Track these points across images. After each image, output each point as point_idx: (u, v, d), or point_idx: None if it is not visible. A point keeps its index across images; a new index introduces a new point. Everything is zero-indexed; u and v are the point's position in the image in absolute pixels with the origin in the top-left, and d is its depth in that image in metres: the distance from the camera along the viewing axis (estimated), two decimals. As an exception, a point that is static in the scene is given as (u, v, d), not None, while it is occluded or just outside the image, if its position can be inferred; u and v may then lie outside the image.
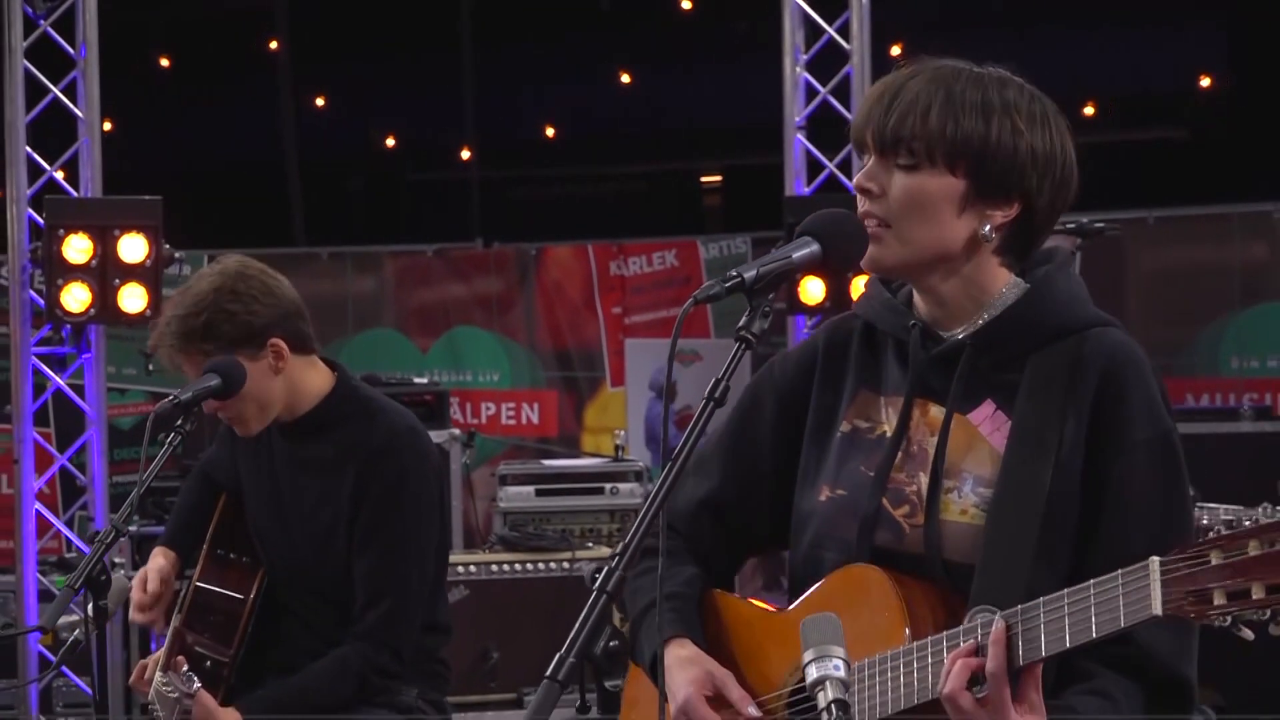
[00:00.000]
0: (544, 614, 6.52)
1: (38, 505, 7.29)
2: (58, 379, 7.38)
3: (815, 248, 2.14)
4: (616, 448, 7.82)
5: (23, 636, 7.14)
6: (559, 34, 13.29)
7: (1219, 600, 1.87)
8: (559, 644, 5.82)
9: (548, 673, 2.03)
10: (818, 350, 2.42)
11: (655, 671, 2.34)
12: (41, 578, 7.30)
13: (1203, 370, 9.52)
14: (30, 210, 7.26)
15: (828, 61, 7.62)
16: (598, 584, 2.05)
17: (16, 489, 7.26)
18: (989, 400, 2.24)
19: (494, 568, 6.69)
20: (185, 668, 3.38)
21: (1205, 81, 12.35)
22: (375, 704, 3.71)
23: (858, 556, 2.26)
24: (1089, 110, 12.40)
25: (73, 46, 7.35)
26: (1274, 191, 9.86)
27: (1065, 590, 1.99)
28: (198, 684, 3.36)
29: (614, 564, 2.04)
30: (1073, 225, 5.79)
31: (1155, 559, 1.90)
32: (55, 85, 7.31)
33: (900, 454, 2.27)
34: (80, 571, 3.17)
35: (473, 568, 6.62)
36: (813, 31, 7.65)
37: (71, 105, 7.33)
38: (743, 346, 2.11)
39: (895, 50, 10.96)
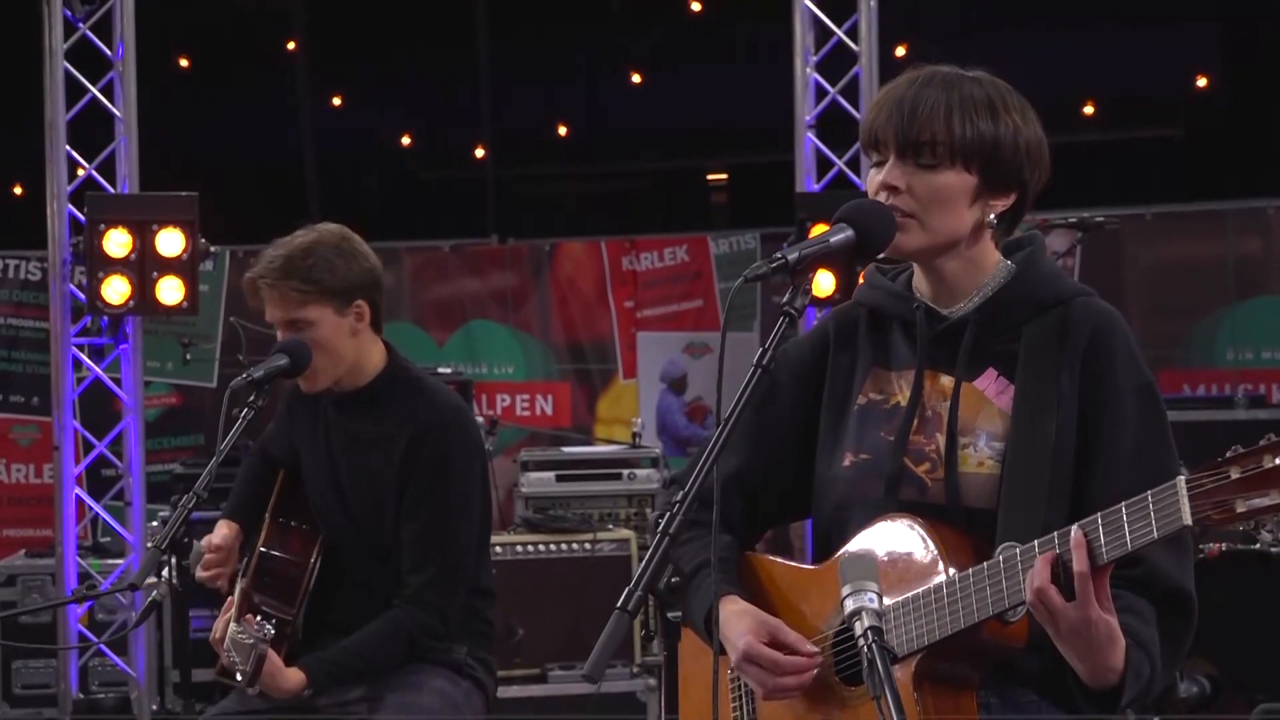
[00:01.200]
0: (566, 593, 6.72)
1: (77, 490, 7.49)
2: (96, 368, 7.59)
3: (850, 233, 2.41)
4: (634, 435, 8.01)
5: (62, 610, 7.40)
6: (571, 35, 13.32)
7: (1240, 509, 2.10)
8: (580, 621, 6.15)
9: (619, 604, 2.27)
10: (829, 335, 2.67)
11: (708, 630, 2.56)
12: (81, 561, 7.55)
13: (1199, 362, 9.59)
14: (70, 206, 7.48)
15: (837, 62, 7.77)
16: (660, 527, 2.32)
17: (56, 474, 7.50)
18: (991, 368, 2.50)
19: (518, 549, 6.85)
20: (259, 618, 3.65)
21: (1202, 81, 12.43)
22: (429, 660, 3.98)
23: (886, 511, 2.49)
24: (1089, 110, 12.51)
25: (110, 48, 7.55)
26: (1268, 188, 9.97)
27: (1100, 512, 2.22)
28: (271, 629, 3.63)
29: (676, 510, 2.31)
30: (1073, 220, 6.05)
31: (1180, 478, 2.14)
32: (93, 86, 7.51)
33: (916, 419, 2.52)
34: (165, 534, 3.42)
35: (498, 549, 6.75)
36: (822, 33, 7.80)
37: (109, 105, 7.54)
38: (786, 320, 2.39)
39: (900, 51, 11.16)
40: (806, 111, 7.74)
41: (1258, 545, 6.14)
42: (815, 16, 7.77)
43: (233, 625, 3.73)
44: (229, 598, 4.00)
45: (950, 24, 11.79)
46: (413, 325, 10.59)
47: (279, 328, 3.93)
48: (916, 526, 2.43)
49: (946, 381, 2.52)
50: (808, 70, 7.79)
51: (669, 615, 2.51)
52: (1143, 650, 2.34)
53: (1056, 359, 2.46)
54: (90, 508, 7.61)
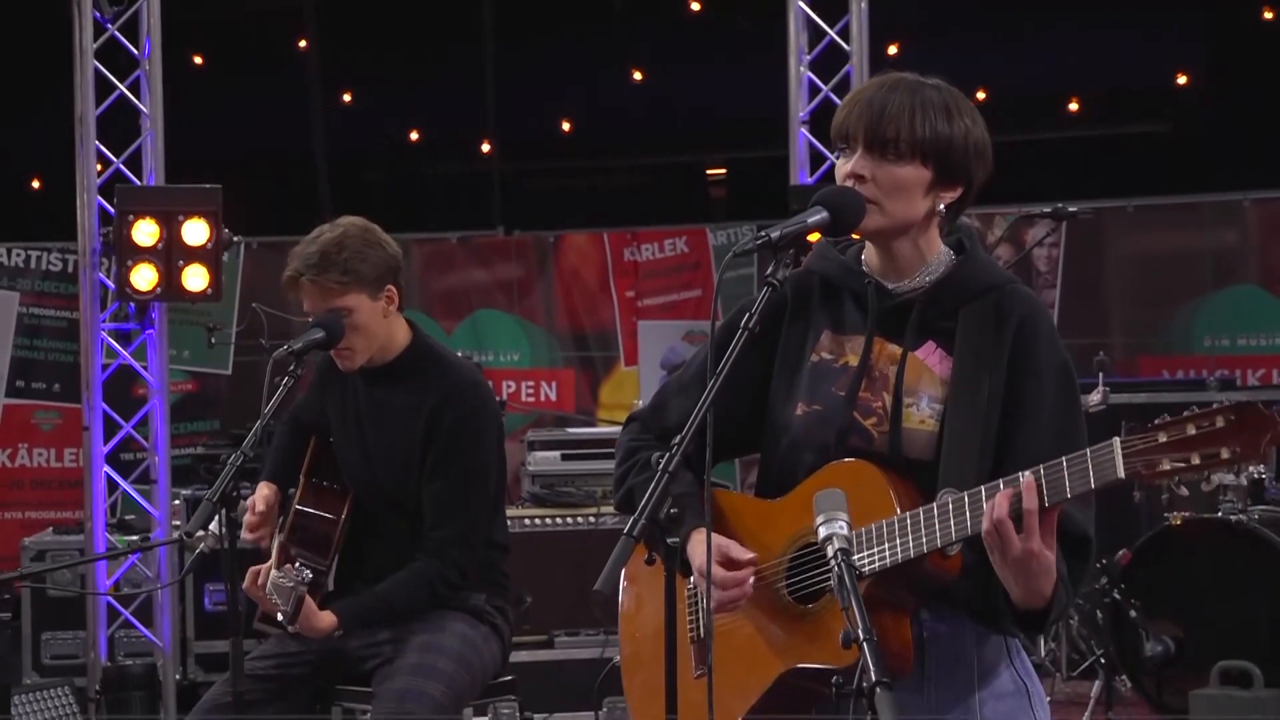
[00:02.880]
0: (571, 563, 6.96)
1: (106, 469, 7.73)
2: (124, 351, 7.85)
3: (825, 214, 2.79)
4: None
5: (94, 578, 7.71)
6: (575, 34, 13.48)
7: (1164, 467, 2.42)
8: (585, 590, 6.52)
9: (625, 530, 2.64)
10: (786, 298, 2.98)
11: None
12: (109, 536, 7.77)
13: (1178, 348, 9.79)
14: (100, 198, 7.72)
15: (829, 61, 7.94)
16: (660, 466, 2.70)
17: (86, 454, 7.75)
18: (931, 341, 2.85)
19: (526, 522, 7.13)
20: (298, 563, 4.03)
21: (1182, 79, 12.61)
22: (450, 607, 4.36)
23: (835, 456, 2.83)
24: (1074, 106, 12.75)
25: (136, 47, 7.79)
26: (1244, 182, 10.13)
27: (1043, 464, 2.55)
28: (309, 574, 4.01)
29: (675, 450, 2.69)
30: (1050, 210, 6.39)
31: (1116, 439, 2.47)
32: (120, 83, 7.74)
33: (866, 380, 2.86)
34: (217, 487, 3.78)
35: (507, 521, 7.16)
36: (815, 33, 7.96)
37: (137, 101, 7.79)
38: (769, 289, 2.78)
39: (892, 50, 11.43)
40: (800, 108, 7.93)
41: (1220, 514, 6.49)
42: (808, 17, 7.96)
43: (274, 572, 4.10)
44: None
45: (939, 24, 11.99)
46: (422, 314, 10.75)
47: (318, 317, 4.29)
48: (875, 472, 2.78)
49: (894, 349, 2.87)
50: (801, 69, 7.98)
51: (669, 541, 2.82)
52: (1062, 583, 2.68)
53: (991, 338, 2.81)
54: (118, 484, 7.89)
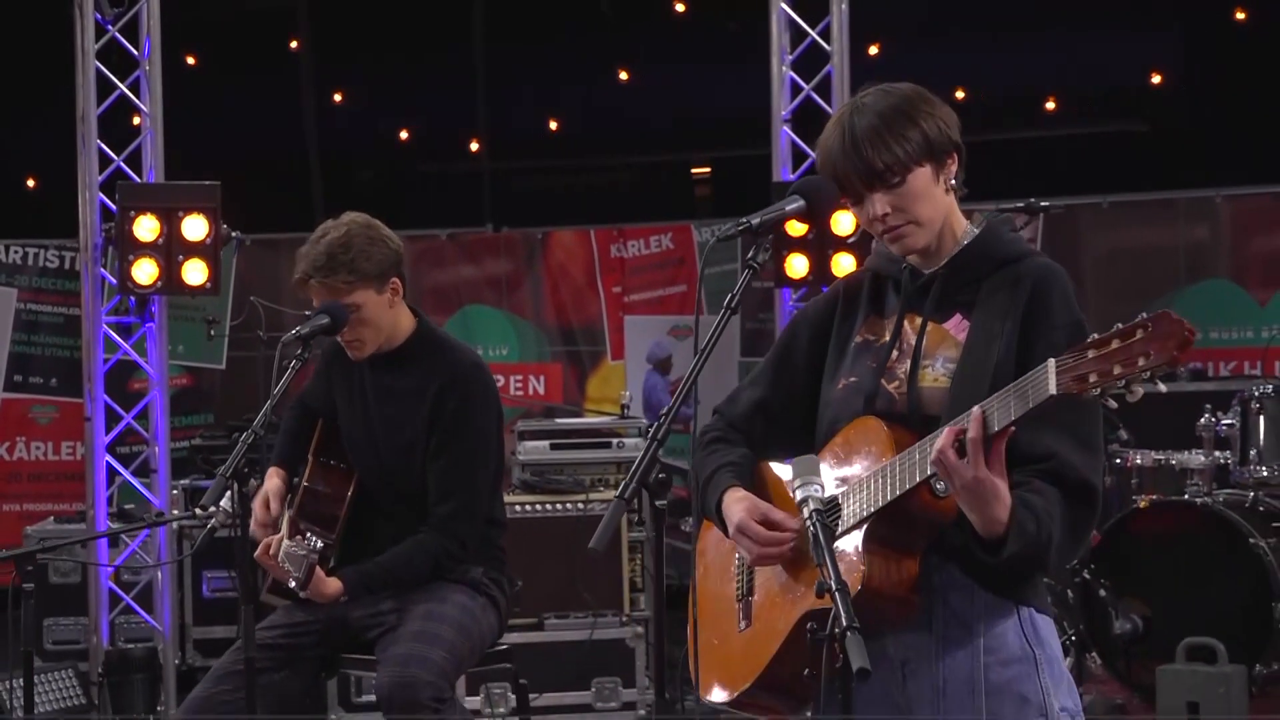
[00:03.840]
0: (561, 548, 7.09)
1: (108, 458, 7.89)
2: (124, 344, 7.98)
3: (801, 202, 3.03)
4: (622, 406, 8.39)
5: (93, 568, 7.89)
6: (563, 35, 13.59)
7: (1092, 379, 2.58)
8: (574, 574, 6.76)
9: (617, 493, 2.87)
10: (839, 294, 3.22)
11: (719, 514, 3.11)
12: (114, 525, 7.87)
13: None
14: (101, 195, 7.87)
15: (811, 61, 8.05)
16: (651, 434, 2.93)
17: (88, 443, 7.89)
18: (957, 313, 3.04)
19: (517, 509, 7.22)
20: (309, 535, 4.25)
21: (1156, 79, 12.78)
22: (450, 579, 4.57)
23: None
24: (1050, 105, 12.94)
25: (136, 48, 7.94)
26: (1215, 179, 10.33)
27: (1004, 388, 2.74)
28: (320, 544, 4.22)
29: (662, 421, 2.91)
30: (1021, 204, 6.57)
31: (1052, 359, 2.64)
32: (120, 83, 7.89)
33: (895, 351, 3.06)
34: (230, 463, 3.99)
35: (504, 500, 7.25)
36: (797, 34, 8.08)
37: (136, 100, 7.95)
38: (750, 272, 3.02)
39: (873, 50, 11.60)
40: (782, 107, 8.05)
41: (1186, 496, 6.70)
42: (790, 18, 8.08)
43: (286, 542, 4.32)
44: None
45: (919, 25, 12.13)
46: (412, 309, 10.98)
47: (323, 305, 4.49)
48: (879, 422, 2.98)
49: (919, 321, 3.08)
50: (783, 68, 8.10)
51: (656, 504, 3.03)
52: (1031, 513, 2.83)
53: (1006, 302, 2.99)
54: (118, 473, 8.04)
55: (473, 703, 6.96)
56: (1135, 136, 12.95)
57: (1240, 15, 11.95)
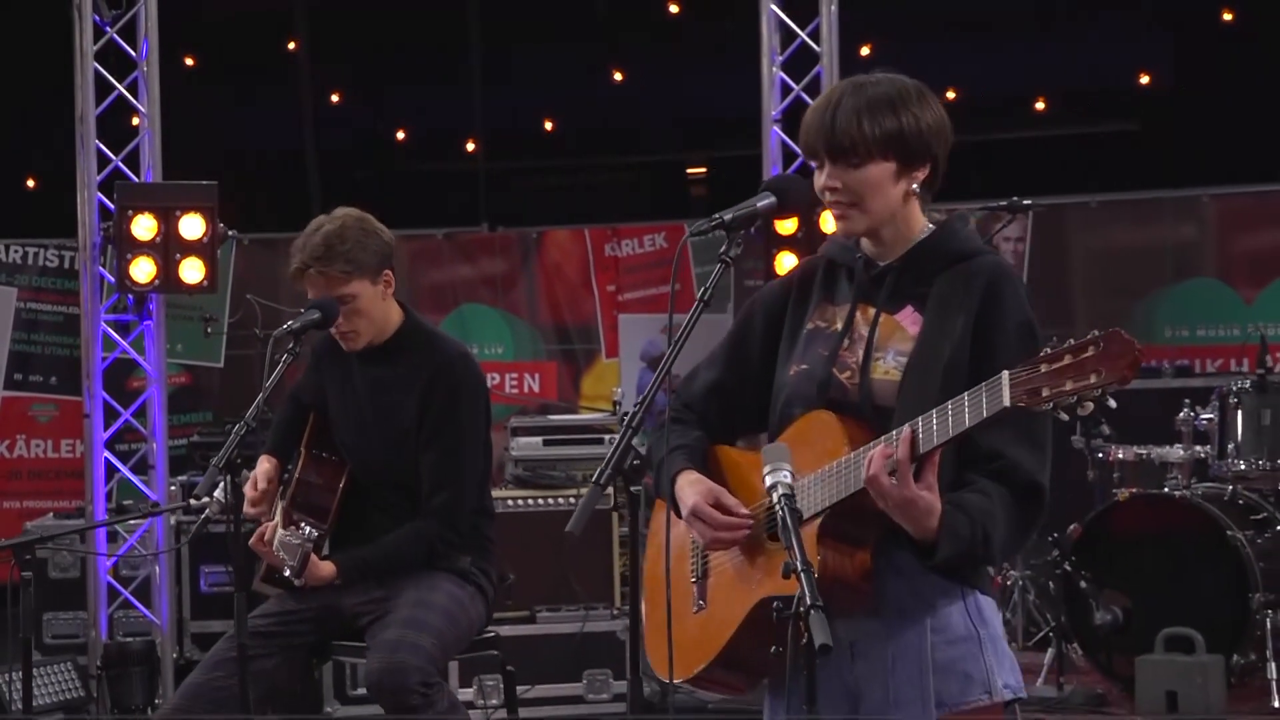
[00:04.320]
0: (553, 543, 7.11)
1: (106, 454, 7.97)
2: (123, 341, 8.05)
3: (772, 199, 3.13)
4: (615, 403, 8.45)
5: (94, 559, 7.98)
6: (558, 36, 13.59)
7: (1045, 393, 2.65)
8: (565, 568, 6.81)
9: (593, 479, 2.97)
10: (793, 280, 3.29)
11: (673, 497, 3.18)
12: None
13: (1139, 339, 9.47)
14: (99, 194, 7.93)
15: (801, 62, 8.11)
16: (625, 422, 3.03)
17: (87, 439, 7.97)
18: (909, 305, 3.10)
19: (510, 503, 7.26)
20: (303, 524, 4.36)
21: (1145, 79, 12.84)
22: (439, 568, 4.68)
23: (817, 407, 3.10)
24: (1040, 105, 12.98)
25: (134, 49, 8.01)
26: (1202, 179, 10.39)
27: (948, 401, 2.81)
28: (314, 532, 4.33)
29: (636, 409, 3.02)
30: (1005, 203, 6.69)
31: (1005, 372, 2.71)
32: (119, 84, 7.95)
33: (846, 339, 3.13)
34: (223, 455, 4.09)
35: (491, 490, 7.30)
36: (787, 35, 8.14)
37: (135, 101, 8.02)
38: (723, 266, 3.12)
39: (865, 50, 11.64)
40: (773, 107, 8.13)
41: (1165, 489, 6.81)
42: (780, 19, 8.15)
43: (280, 531, 4.43)
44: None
45: (908, 25, 12.15)
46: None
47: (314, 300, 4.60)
48: (831, 416, 3.06)
49: (871, 312, 3.15)
50: (774, 69, 8.17)
51: (632, 489, 3.12)
52: (965, 515, 2.91)
53: (960, 300, 3.05)
54: (117, 469, 8.12)
55: (465, 694, 7.04)
56: (1124, 136, 13.00)
57: (1228, 16, 12.02)
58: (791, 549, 2.80)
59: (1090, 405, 2.67)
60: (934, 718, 3.01)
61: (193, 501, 4.12)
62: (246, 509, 4.55)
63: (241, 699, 4.19)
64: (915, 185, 3.11)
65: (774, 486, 2.92)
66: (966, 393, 2.79)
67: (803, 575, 2.73)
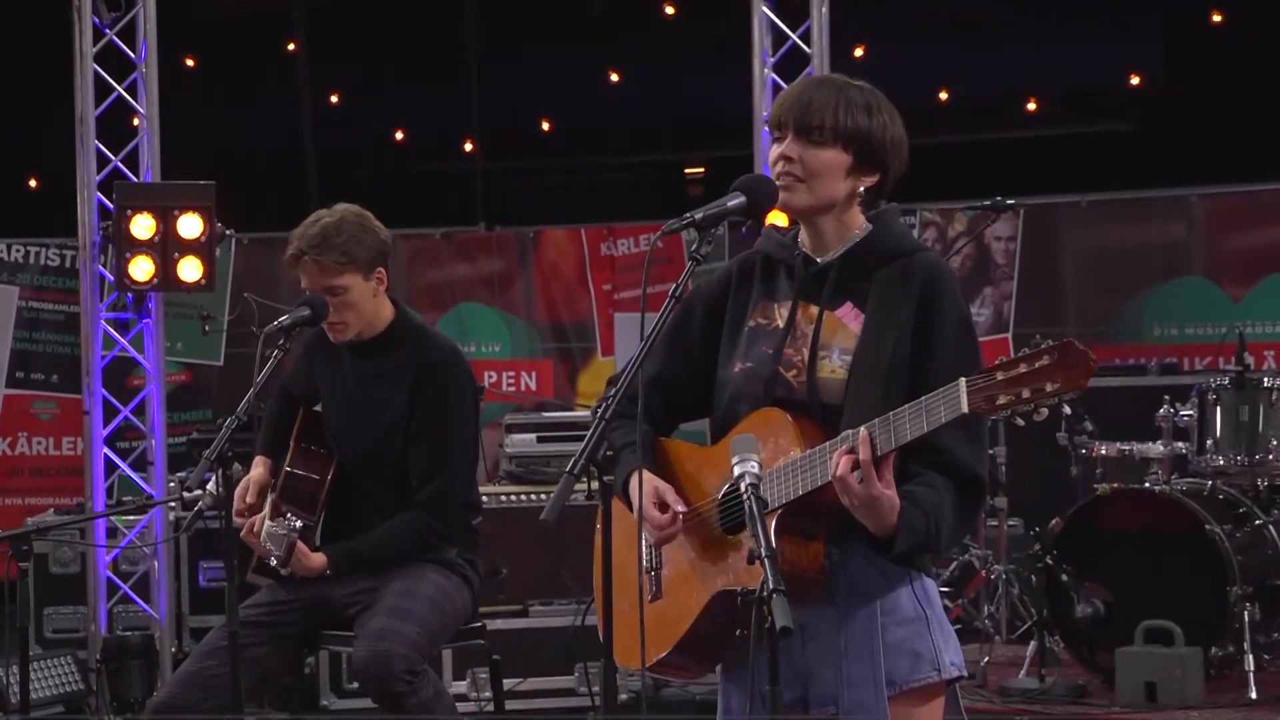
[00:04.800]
0: (545, 537, 7.08)
1: (106, 450, 8.08)
2: (122, 339, 8.15)
3: (743, 199, 3.21)
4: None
5: (94, 554, 8.08)
6: (555, 37, 13.63)
7: (1001, 400, 2.77)
8: (557, 562, 6.93)
9: (567, 469, 3.06)
10: (732, 274, 3.39)
11: (625, 493, 3.29)
12: (110, 517, 8.06)
13: (1129, 337, 10.04)
14: (99, 194, 8.03)
15: (793, 63, 8.16)
16: (599, 414, 3.13)
17: (86, 436, 8.07)
18: (849, 302, 3.22)
19: (503, 498, 7.39)
20: (289, 515, 4.46)
21: (1135, 80, 12.91)
22: (426, 560, 4.78)
23: (764, 405, 3.21)
24: (1031, 106, 13.01)
25: (134, 51, 8.11)
26: (1191, 178, 10.43)
27: (905, 405, 2.92)
28: (299, 523, 4.44)
29: (610, 401, 3.12)
30: (988, 202, 6.82)
31: (962, 379, 2.83)
32: (118, 85, 8.05)
33: (789, 337, 3.24)
34: (214, 448, 4.20)
35: (485, 498, 7.36)
36: (778, 37, 8.23)
37: (134, 102, 8.12)
38: (693, 263, 3.21)
39: (858, 52, 11.78)
40: (764, 107, 8.12)
41: (1145, 484, 6.91)
42: (772, 21, 8.25)
43: (268, 523, 4.54)
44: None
45: (902, 27, 12.25)
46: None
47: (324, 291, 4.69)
48: (784, 415, 3.16)
49: (814, 309, 3.25)
50: (765, 70, 8.27)
51: (605, 479, 3.23)
52: (918, 509, 3.03)
53: (899, 296, 3.17)
54: (116, 465, 8.23)
55: (459, 687, 7.14)
56: (1114, 136, 13.05)
57: (1217, 18, 12.10)
58: (757, 537, 2.90)
59: (1045, 412, 2.77)
60: (884, 695, 3.12)
61: (185, 494, 4.22)
62: (235, 517, 4.65)
63: (233, 686, 4.29)
64: (862, 189, 3.23)
65: (742, 476, 3.01)
66: (925, 397, 2.90)
67: (766, 561, 2.84)
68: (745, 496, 2.98)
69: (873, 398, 3.09)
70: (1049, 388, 2.73)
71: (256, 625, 4.70)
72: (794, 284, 3.29)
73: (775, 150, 3.26)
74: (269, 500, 4.72)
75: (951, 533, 3.12)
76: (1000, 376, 2.78)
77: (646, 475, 3.24)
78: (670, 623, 3.23)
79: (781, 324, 3.27)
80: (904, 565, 3.17)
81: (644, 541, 3.34)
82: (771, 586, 2.80)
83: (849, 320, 3.21)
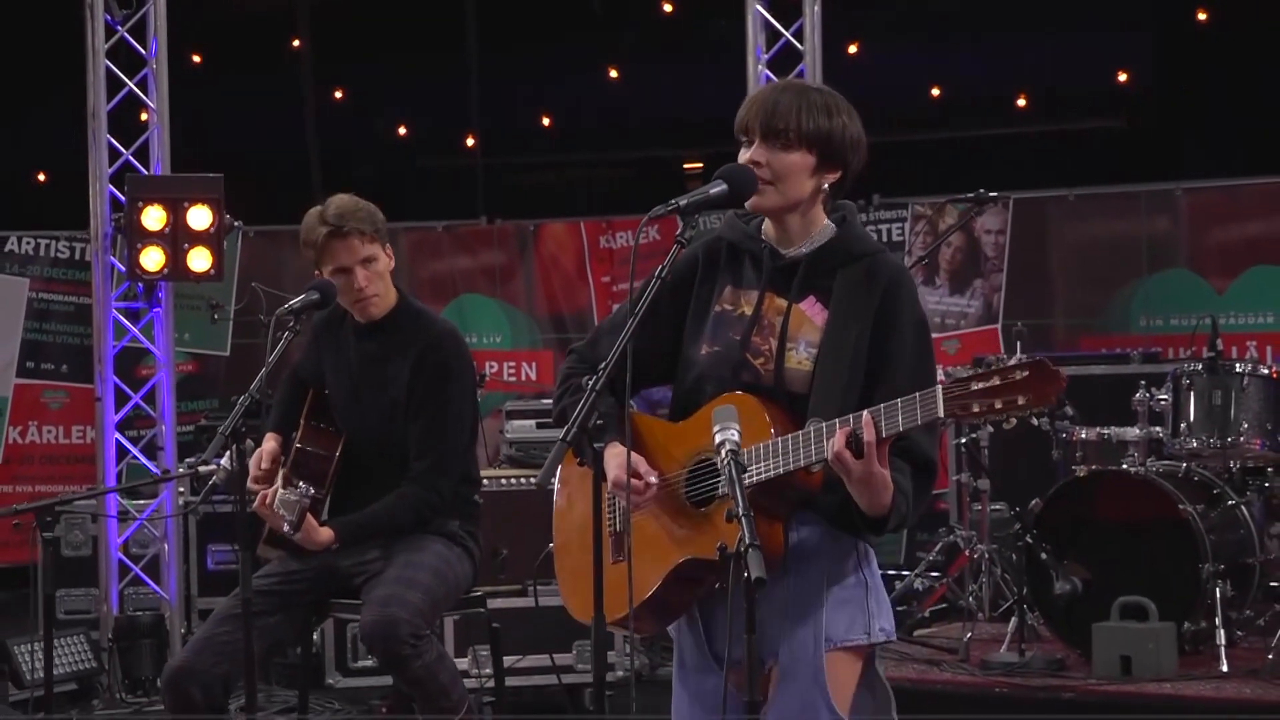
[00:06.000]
0: (544, 520, 7.28)
1: (117, 435, 8.32)
2: (134, 328, 8.39)
3: (724, 187, 3.43)
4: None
5: (106, 537, 8.30)
6: (555, 34, 13.85)
7: (976, 408, 2.98)
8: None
9: (560, 437, 3.29)
10: (698, 258, 3.59)
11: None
12: (123, 500, 8.36)
13: (1116, 328, 10.21)
14: (111, 187, 8.27)
15: (787, 60, 8.39)
16: (589, 386, 3.36)
17: (98, 422, 8.31)
18: (812, 295, 3.43)
19: (503, 482, 7.57)
20: (302, 484, 4.69)
21: (1123, 78, 13.08)
22: (429, 531, 5.01)
23: (730, 388, 3.41)
24: (1021, 102, 13.22)
25: (144, 48, 8.34)
26: (1176, 173, 10.62)
27: (893, 400, 3.11)
28: (312, 490, 4.67)
29: (601, 374, 3.34)
30: (971, 196, 7.03)
31: (939, 386, 3.04)
32: (129, 81, 8.28)
33: (756, 326, 3.44)
34: (229, 424, 4.41)
35: (486, 482, 7.48)
36: (772, 35, 8.45)
37: (145, 97, 8.34)
38: (678, 247, 3.44)
39: (852, 49, 11.97)
40: None
41: (1123, 466, 7.11)
42: (765, 19, 8.46)
43: (281, 491, 4.76)
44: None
45: (895, 25, 12.45)
46: (409, 299, 11.23)
47: (346, 272, 4.93)
48: (757, 402, 3.37)
49: (781, 302, 3.45)
50: (759, 67, 8.48)
51: (595, 446, 3.44)
52: (902, 495, 3.26)
53: (862, 296, 3.38)
54: (128, 450, 8.46)
55: (461, 664, 7.29)
56: (1100, 132, 13.20)
57: (1201, 16, 12.27)
58: (735, 498, 3.12)
59: (1015, 421, 3.01)
60: (823, 650, 3.37)
61: (200, 469, 4.44)
62: (251, 484, 4.84)
63: (245, 650, 4.50)
64: (826, 185, 3.44)
65: (724, 443, 3.23)
66: (900, 400, 3.12)
67: (744, 520, 3.06)
68: (725, 461, 3.19)
69: (836, 390, 3.31)
70: (1020, 401, 2.95)
71: (268, 594, 4.91)
72: (761, 275, 3.49)
73: (744, 155, 3.45)
74: (281, 474, 4.94)
75: (915, 512, 3.36)
76: (975, 387, 3.00)
77: (619, 450, 3.43)
78: (637, 584, 3.41)
79: (749, 312, 3.47)
80: (851, 534, 3.40)
81: (617, 506, 3.54)
82: (749, 541, 3.02)
83: (813, 314, 3.42)
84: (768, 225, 3.54)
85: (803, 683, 3.36)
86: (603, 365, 3.34)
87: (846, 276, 3.41)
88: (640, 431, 3.56)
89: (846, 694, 3.41)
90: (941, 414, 3.03)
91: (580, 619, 3.53)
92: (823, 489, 3.33)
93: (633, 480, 3.40)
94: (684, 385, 3.53)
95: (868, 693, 3.47)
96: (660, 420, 3.59)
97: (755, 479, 3.28)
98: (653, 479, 3.42)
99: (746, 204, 3.44)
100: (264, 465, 4.95)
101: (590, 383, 3.34)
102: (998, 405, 2.97)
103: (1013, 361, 3.01)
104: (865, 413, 3.14)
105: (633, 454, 3.43)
